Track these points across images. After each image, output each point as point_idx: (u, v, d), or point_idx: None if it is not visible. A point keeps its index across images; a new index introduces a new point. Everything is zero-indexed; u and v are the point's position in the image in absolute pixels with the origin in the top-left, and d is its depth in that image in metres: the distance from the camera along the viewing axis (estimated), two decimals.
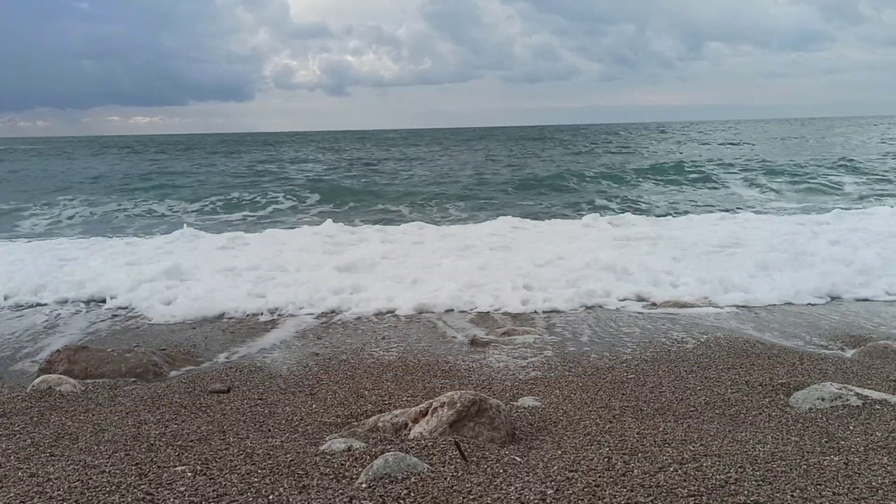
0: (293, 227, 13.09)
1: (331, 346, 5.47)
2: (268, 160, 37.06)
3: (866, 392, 3.63)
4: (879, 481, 2.51)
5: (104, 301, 7.07)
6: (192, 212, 16.78)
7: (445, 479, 2.59)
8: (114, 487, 2.57)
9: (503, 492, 2.47)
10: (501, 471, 2.69)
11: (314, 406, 3.90)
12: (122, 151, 52.46)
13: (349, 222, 14.89)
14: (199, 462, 2.86)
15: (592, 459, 2.76)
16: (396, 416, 3.36)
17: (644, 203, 16.20)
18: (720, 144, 41.82)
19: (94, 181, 24.98)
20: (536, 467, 2.72)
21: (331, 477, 2.66)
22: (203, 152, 47.71)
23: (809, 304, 6.55)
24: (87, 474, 2.72)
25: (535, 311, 6.47)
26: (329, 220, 12.68)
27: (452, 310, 6.58)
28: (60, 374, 4.46)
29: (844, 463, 2.70)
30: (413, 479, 2.57)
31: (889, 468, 2.63)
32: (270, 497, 2.49)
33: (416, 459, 2.71)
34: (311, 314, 6.54)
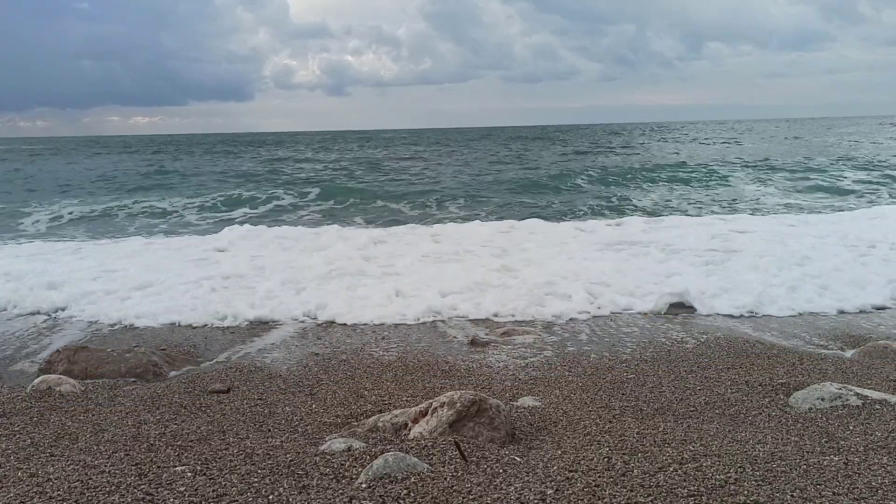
0: (299, 227, 13.16)
1: (331, 346, 5.47)
2: (268, 160, 37.11)
3: (866, 392, 3.63)
4: (879, 481, 2.51)
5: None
6: (194, 208, 16.82)
7: (445, 479, 2.59)
8: (114, 487, 2.57)
9: (503, 492, 2.47)
10: (501, 471, 2.69)
11: (314, 406, 3.90)
12: (122, 151, 52.47)
13: (349, 220, 14.97)
14: (199, 462, 2.86)
15: (592, 459, 2.76)
16: (396, 416, 3.36)
17: (641, 203, 16.18)
18: (720, 143, 41.84)
19: (95, 181, 25.02)
20: (536, 467, 2.72)
21: (331, 477, 2.66)
22: (203, 152, 47.73)
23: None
24: (86, 474, 2.72)
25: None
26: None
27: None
28: (60, 374, 4.46)
29: (844, 463, 2.70)
30: (413, 479, 2.57)
31: (889, 468, 2.63)
32: (270, 497, 2.49)
33: (415, 459, 2.71)
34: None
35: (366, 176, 25.98)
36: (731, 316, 6.18)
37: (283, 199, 18.11)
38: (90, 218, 15.58)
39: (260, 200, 17.85)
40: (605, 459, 2.75)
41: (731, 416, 3.58)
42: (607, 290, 6.88)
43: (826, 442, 3.02)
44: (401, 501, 2.42)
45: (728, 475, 2.55)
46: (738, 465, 2.66)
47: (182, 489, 2.56)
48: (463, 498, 2.43)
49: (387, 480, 2.56)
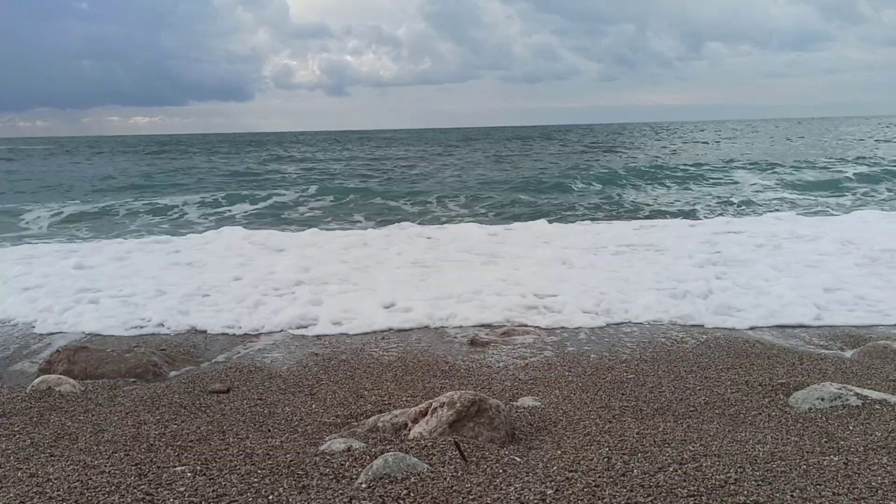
0: (300, 225, 13.16)
1: (330, 346, 5.47)
2: (268, 159, 37.16)
3: (866, 392, 3.64)
4: (879, 481, 2.51)
5: None
6: (194, 205, 16.86)
7: (445, 479, 2.59)
8: (113, 488, 2.58)
9: (503, 492, 2.47)
10: (501, 471, 2.69)
11: (314, 406, 3.90)
12: (122, 151, 52.48)
13: (349, 217, 15.03)
14: (199, 462, 2.86)
15: (592, 459, 2.76)
16: (396, 416, 3.36)
17: (641, 204, 16.17)
18: (721, 143, 41.85)
19: (95, 180, 25.04)
20: (536, 467, 2.72)
21: (330, 477, 2.66)
22: (203, 152, 47.75)
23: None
24: (86, 474, 2.72)
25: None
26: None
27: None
28: (60, 374, 4.46)
29: (844, 463, 2.70)
30: (413, 480, 2.57)
31: (889, 468, 2.63)
32: (270, 497, 2.49)
33: (415, 459, 2.71)
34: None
35: (366, 174, 26.06)
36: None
37: (283, 196, 18.22)
38: (91, 217, 15.56)
39: (260, 197, 17.96)
40: (605, 459, 2.75)
41: (731, 416, 3.58)
42: (604, 297, 6.57)
43: (826, 442, 3.02)
44: (401, 502, 2.42)
45: (728, 475, 2.55)
46: (738, 465, 2.66)
47: (182, 489, 2.56)
48: (463, 498, 2.43)
49: (387, 480, 2.56)
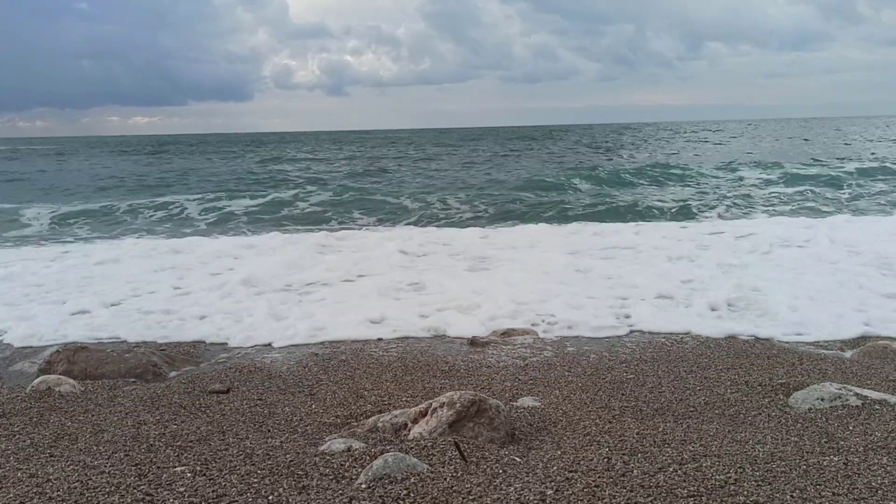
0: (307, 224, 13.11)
1: (330, 346, 5.47)
2: (268, 158, 37.20)
3: (866, 392, 3.64)
4: (879, 481, 2.51)
5: None
6: (194, 203, 16.91)
7: (445, 479, 2.59)
8: (113, 488, 2.57)
9: (503, 492, 2.47)
10: (501, 471, 2.69)
11: (314, 406, 3.90)
12: (122, 151, 52.48)
13: (348, 215, 15.09)
14: (199, 462, 2.86)
15: (592, 460, 2.76)
16: (396, 416, 3.36)
17: (638, 204, 16.16)
18: (722, 143, 41.86)
19: (95, 180, 25.04)
20: (536, 468, 2.72)
21: (330, 477, 2.66)
22: (202, 151, 47.76)
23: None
24: (86, 475, 2.72)
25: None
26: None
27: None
28: (60, 374, 4.46)
29: (844, 463, 2.70)
30: (413, 480, 2.57)
31: (888, 468, 2.63)
32: (270, 497, 2.49)
33: (415, 460, 2.71)
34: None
35: (366, 173, 26.11)
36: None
37: (283, 194, 18.31)
38: (93, 216, 15.55)
39: (259, 195, 18.04)
40: (605, 460, 2.75)
41: (731, 417, 3.58)
42: (600, 305, 6.33)
43: (826, 442, 3.02)
44: (400, 502, 2.42)
45: (728, 475, 2.55)
46: (738, 465, 2.66)
47: (182, 489, 2.56)
48: (463, 498, 2.43)
49: (386, 481, 2.56)
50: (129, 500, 2.47)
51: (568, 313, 6.15)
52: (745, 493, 2.41)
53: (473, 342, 5.43)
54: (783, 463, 2.70)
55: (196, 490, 2.55)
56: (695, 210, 14.96)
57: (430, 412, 3.23)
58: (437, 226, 13.34)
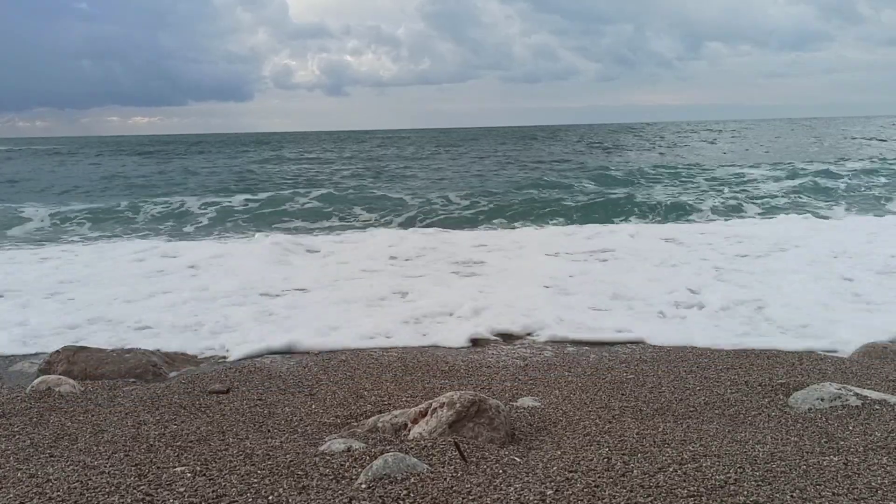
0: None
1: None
2: (269, 158, 37.25)
3: (865, 392, 3.64)
4: (879, 482, 2.51)
5: None
6: (194, 201, 16.97)
7: (445, 479, 2.59)
8: (113, 488, 2.57)
9: (503, 492, 2.47)
10: (501, 471, 2.69)
11: (314, 406, 3.90)
12: (122, 151, 52.47)
13: (348, 210, 15.14)
14: (199, 463, 2.86)
15: (592, 460, 2.76)
16: (396, 416, 3.36)
17: (637, 205, 16.15)
18: (724, 143, 41.85)
19: (95, 180, 25.04)
20: (536, 468, 2.72)
21: (330, 477, 2.66)
22: (203, 151, 47.77)
23: None
24: (86, 475, 2.72)
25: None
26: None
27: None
28: (60, 374, 4.45)
29: (844, 463, 2.70)
30: (413, 480, 2.57)
31: (888, 468, 2.63)
32: (270, 498, 2.49)
33: (415, 460, 2.71)
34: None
35: (366, 171, 26.14)
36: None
37: (284, 191, 18.45)
38: (94, 216, 15.56)
39: (260, 192, 18.14)
40: (605, 460, 2.75)
41: (731, 417, 3.58)
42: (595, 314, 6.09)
43: (826, 442, 3.02)
44: (400, 502, 2.42)
45: (728, 475, 2.55)
46: (738, 465, 2.66)
47: (181, 490, 2.56)
48: (463, 498, 2.43)
49: (386, 481, 2.56)
50: (129, 500, 2.47)
51: (560, 326, 5.73)
52: (745, 493, 2.41)
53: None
54: (783, 463, 2.70)
55: (196, 490, 2.55)
56: (695, 210, 14.97)
57: (430, 412, 3.23)
58: (437, 226, 13.34)
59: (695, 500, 2.37)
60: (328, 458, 2.87)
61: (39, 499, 2.51)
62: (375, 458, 2.74)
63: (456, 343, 5.43)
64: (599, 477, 2.57)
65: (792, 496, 2.39)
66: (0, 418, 3.65)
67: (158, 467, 2.80)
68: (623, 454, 2.83)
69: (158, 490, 2.55)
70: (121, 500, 2.47)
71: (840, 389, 3.66)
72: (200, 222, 14.52)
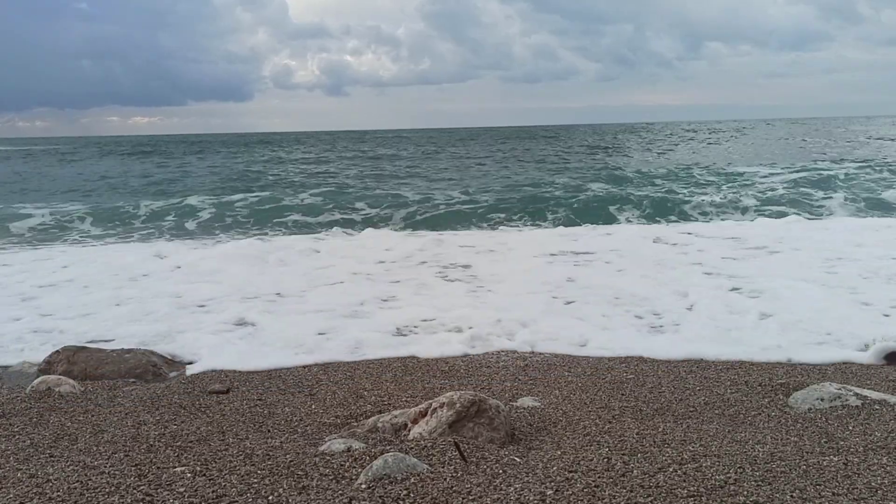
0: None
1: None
2: (270, 157, 37.30)
3: (865, 392, 3.64)
4: (879, 482, 2.51)
5: None
6: (194, 199, 16.98)
7: (445, 479, 2.59)
8: (113, 488, 2.57)
9: (503, 492, 2.47)
10: (501, 471, 2.69)
11: (313, 407, 3.90)
12: (122, 151, 52.47)
13: (349, 206, 15.17)
14: (199, 463, 2.86)
15: (592, 460, 2.76)
16: (396, 416, 3.36)
17: (638, 204, 16.14)
18: (725, 143, 41.85)
19: (96, 180, 25.06)
20: (536, 468, 2.72)
21: (330, 478, 2.66)
22: (203, 151, 47.77)
23: None
24: (86, 475, 2.72)
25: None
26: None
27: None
28: (60, 374, 4.46)
29: (844, 463, 2.70)
30: (413, 480, 2.57)
31: (888, 468, 2.64)
32: (270, 498, 2.49)
33: (415, 460, 2.71)
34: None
35: (366, 169, 26.18)
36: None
37: (284, 189, 18.54)
38: (95, 216, 15.56)
39: (260, 189, 18.27)
40: (605, 460, 2.75)
41: (731, 417, 3.58)
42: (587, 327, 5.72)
43: (825, 442, 3.02)
44: (400, 502, 2.42)
45: (728, 476, 2.55)
46: (738, 465, 2.66)
47: (181, 490, 2.56)
48: (463, 498, 2.43)
49: (386, 481, 2.56)
50: (128, 501, 2.47)
51: (556, 344, 5.33)
52: (745, 493, 2.41)
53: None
54: (783, 463, 2.70)
55: (196, 490, 2.55)
56: (695, 210, 14.95)
57: (430, 412, 3.23)
58: (436, 226, 13.34)
59: (695, 500, 2.37)
60: (328, 458, 2.87)
61: (39, 499, 2.51)
62: (375, 458, 2.74)
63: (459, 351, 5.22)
64: (599, 477, 2.57)
65: (792, 496, 2.39)
66: (0, 418, 3.66)
67: (158, 467, 2.81)
68: (623, 454, 2.83)
69: (158, 490, 2.55)
70: (121, 500, 2.47)
71: (840, 389, 3.66)
72: (200, 218, 14.55)
